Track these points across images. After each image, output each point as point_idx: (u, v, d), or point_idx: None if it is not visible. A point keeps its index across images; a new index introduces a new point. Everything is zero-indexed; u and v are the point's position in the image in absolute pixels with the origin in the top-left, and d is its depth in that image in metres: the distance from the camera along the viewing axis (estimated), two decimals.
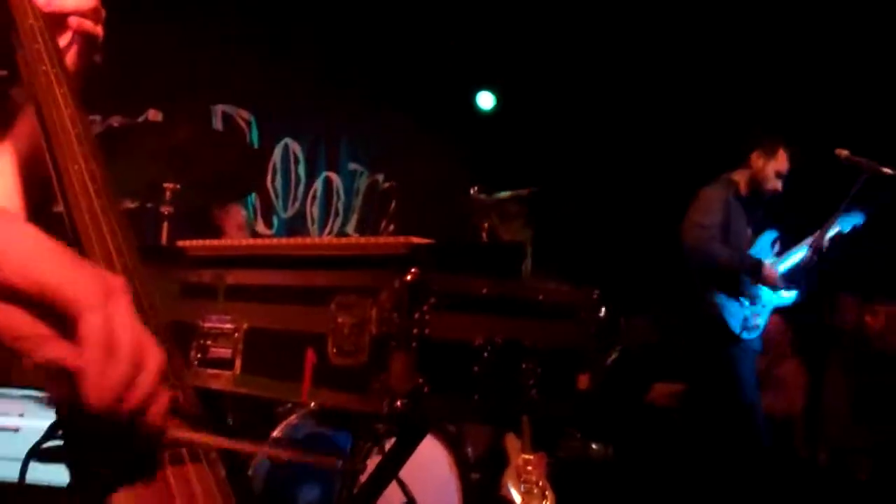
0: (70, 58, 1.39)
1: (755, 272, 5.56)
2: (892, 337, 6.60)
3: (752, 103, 7.67)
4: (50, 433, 1.12)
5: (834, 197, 5.56)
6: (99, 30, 1.45)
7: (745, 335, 5.60)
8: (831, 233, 5.50)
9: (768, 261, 5.67)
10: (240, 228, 5.62)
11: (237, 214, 5.65)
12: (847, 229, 5.63)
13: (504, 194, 5.13)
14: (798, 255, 5.68)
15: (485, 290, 1.90)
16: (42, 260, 0.95)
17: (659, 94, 8.11)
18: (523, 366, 1.96)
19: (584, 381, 2.18)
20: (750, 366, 5.69)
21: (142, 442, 1.05)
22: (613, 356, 7.49)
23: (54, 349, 0.96)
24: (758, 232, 5.83)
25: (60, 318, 0.96)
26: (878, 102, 7.15)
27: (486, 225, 5.20)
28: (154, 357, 0.99)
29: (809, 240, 5.54)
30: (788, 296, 5.73)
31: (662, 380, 7.15)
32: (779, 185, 5.71)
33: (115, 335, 0.96)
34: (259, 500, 3.34)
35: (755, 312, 5.63)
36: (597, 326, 2.19)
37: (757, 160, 5.75)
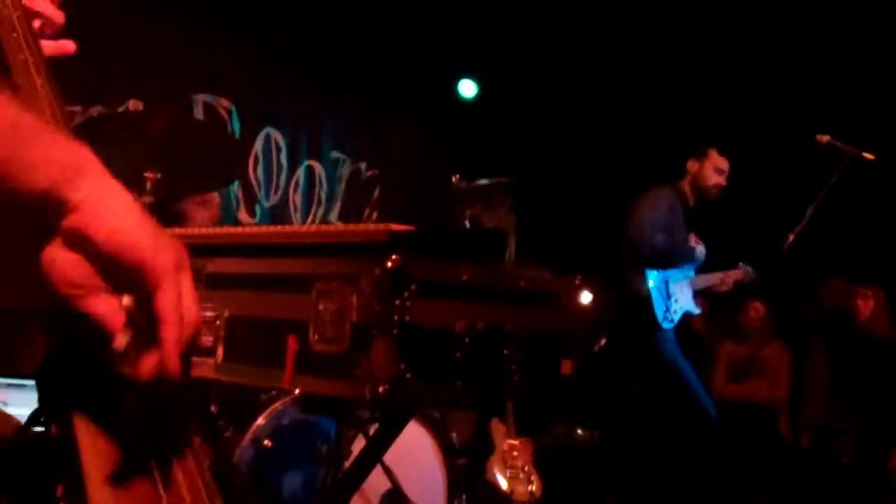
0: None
1: (689, 257, 6.02)
2: (881, 320, 6.64)
3: (727, 93, 7.70)
4: (32, 420, 1.13)
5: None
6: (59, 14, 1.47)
7: (664, 325, 5.94)
8: (738, 276, 5.96)
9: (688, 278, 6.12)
10: (204, 205, 5.36)
11: (213, 203, 5.40)
12: (748, 280, 6.01)
13: (484, 181, 5.14)
14: (708, 280, 6.16)
15: (466, 277, 1.90)
16: (133, 223, 0.98)
17: (639, 81, 8.12)
18: (505, 352, 1.97)
19: (567, 366, 2.19)
20: (671, 348, 5.99)
21: (166, 433, 1.08)
22: (602, 342, 7.50)
23: (104, 304, 0.98)
24: None
25: (120, 276, 0.98)
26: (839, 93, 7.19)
27: (468, 213, 5.20)
28: (200, 326, 1.04)
29: (720, 274, 6.14)
30: (697, 310, 6.22)
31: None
32: (721, 179, 6.03)
33: (186, 302, 1.00)
34: (244, 486, 3.34)
35: (674, 308, 5.97)
36: (579, 312, 2.20)
37: (692, 165, 6.13)
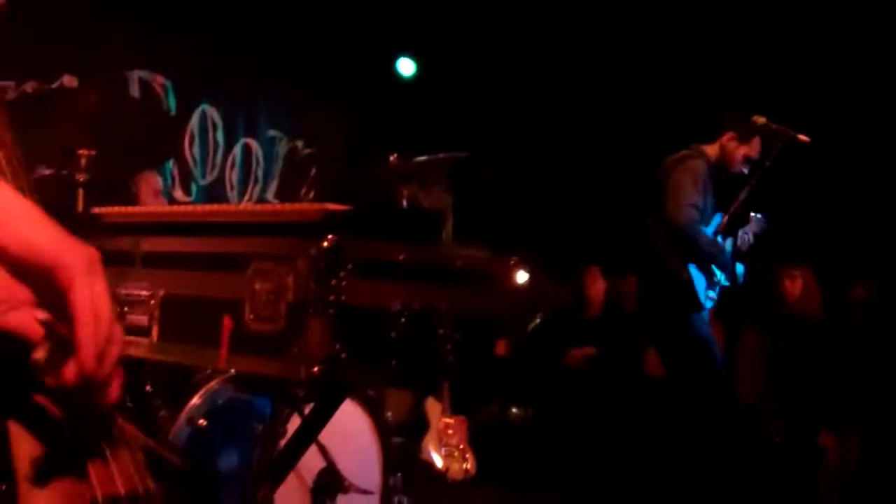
0: None
1: (725, 267, 5.64)
2: (809, 301, 6.72)
3: (664, 72, 7.75)
4: None
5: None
6: None
7: (707, 304, 5.66)
8: (754, 229, 5.70)
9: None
10: (155, 195, 5.53)
11: (153, 181, 5.55)
12: (761, 230, 5.80)
13: (421, 159, 5.12)
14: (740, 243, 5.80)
15: (402, 257, 1.91)
16: (39, 227, 0.98)
17: (577, 58, 8.16)
18: (441, 331, 1.98)
19: (501, 346, 2.21)
20: (708, 329, 5.75)
21: (92, 421, 1.08)
22: (536, 322, 7.55)
23: (22, 317, 0.98)
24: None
25: (38, 285, 0.98)
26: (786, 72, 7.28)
27: (406, 192, 5.19)
28: (118, 329, 1.02)
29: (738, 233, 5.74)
30: (739, 280, 5.85)
31: (577, 344, 7.22)
32: (745, 168, 5.64)
33: (100, 303, 0.99)
34: (180, 466, 3.33)
35: (713, 285, 5.69)
36: (514, 292, 2.21)
37: (729, 142, 5.65)
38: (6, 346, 0.99)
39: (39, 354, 0.97)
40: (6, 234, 0.95)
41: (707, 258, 5.59)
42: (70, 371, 0.98)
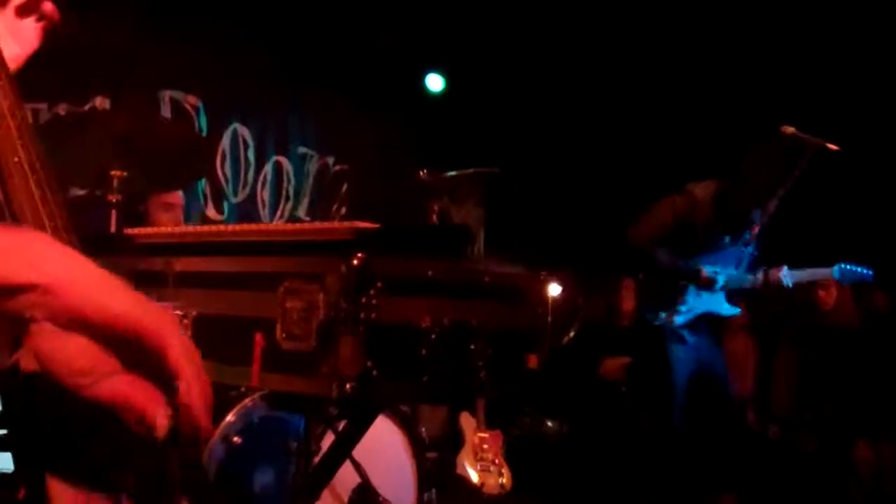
0: (27, 42, 1.39)
1: (694, 278, 5.58)
2: (843, 311, 6.67)
3: (690, 83, 7.72)
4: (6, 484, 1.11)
5: None
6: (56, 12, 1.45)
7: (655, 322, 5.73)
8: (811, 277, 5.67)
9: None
10: (167, 209, 5.31)
11: (164, 196, 5.31)
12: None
13: (452, 174, 5.14)
14: (747, 281, 5.74)
15: (431, 273, 1.92)
16: (122, 297, 0.96)
17: (607, 72, 8.15)
18: (472, 347, 1.99)
19: (533, 360, 2.21)
20: (675, 348, 5.73)
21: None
22: (571, 335, 7.52)
23: (120, 385, 0.97)
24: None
25: (123, 352, 0.97)
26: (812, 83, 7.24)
27: (436, 207, 5.21)
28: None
29: (761, 274, 5.69)
30: (731, 309, 5.82)
31: (610, 354, 7.20)
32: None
33: (196, 358, 0.99)
34: (214, 485, 3.35)
35: (683, 310, 5.66)
36: (546, 306, 2.21)
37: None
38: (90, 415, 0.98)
39: (163, 428, 0.97)
40: (91, 307, 0.94)
41: (665, 270, 5.62)
42: (186, 429, 0.99)
